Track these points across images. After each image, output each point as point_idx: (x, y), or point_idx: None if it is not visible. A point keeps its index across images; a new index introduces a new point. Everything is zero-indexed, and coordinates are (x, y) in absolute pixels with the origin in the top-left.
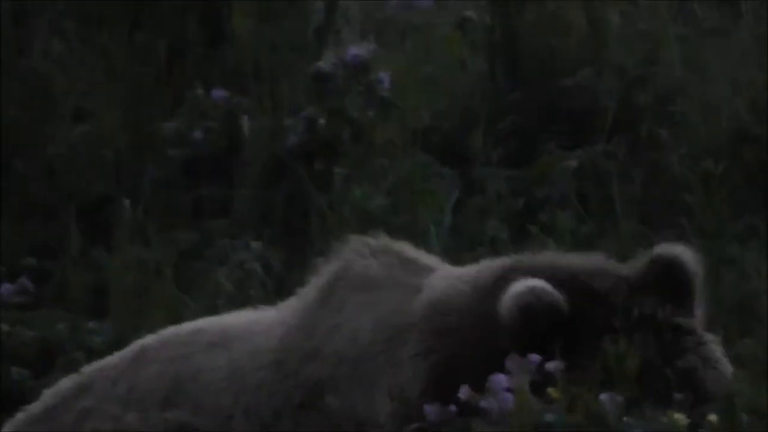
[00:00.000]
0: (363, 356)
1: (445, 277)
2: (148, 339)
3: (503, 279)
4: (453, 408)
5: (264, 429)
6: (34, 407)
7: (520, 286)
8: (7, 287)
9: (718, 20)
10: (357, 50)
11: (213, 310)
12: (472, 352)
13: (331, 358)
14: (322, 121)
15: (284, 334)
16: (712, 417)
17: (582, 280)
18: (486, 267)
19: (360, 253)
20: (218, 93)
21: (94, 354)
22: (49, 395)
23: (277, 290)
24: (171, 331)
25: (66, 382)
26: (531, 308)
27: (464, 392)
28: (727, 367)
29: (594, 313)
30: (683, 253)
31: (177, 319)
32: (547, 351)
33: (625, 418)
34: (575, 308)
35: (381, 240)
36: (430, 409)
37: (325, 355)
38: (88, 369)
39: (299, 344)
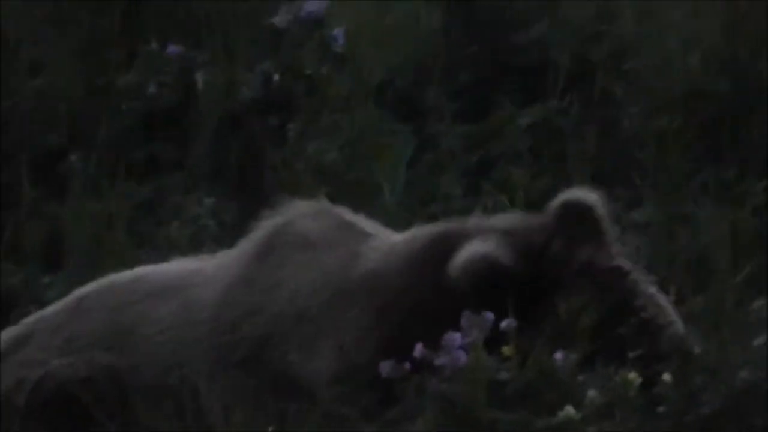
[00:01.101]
0: (304, 315)
1: (380, 246)
2: (88, 287)
3: (437, 246)
4: (407, 365)
5: (201, 384)
6: None
7: (469, 251)
8: None
9: None
10: (311, 6)
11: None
12: (413, 323)
13: (270, 316)
14: (276, 76)
15: (223, 288)
16: (666, 376)
17: (520, 238)
18: (419, 235)
19: (301, 213)
20: (173, 48)
21: (47, 307)
22: None
23: (231, 245)
24: (110, 279)
25: (7, 333)
26: (480, 272)
27: (419, 350)
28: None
29: (540, 267)
30: (587, 195)
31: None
32: (498, 309)
33: (578, 377)
34: (522, 266)
35: (322, 203)
36: (384, 366)
37: (265, 312)
38: (29, 319)
39: (238, 300)
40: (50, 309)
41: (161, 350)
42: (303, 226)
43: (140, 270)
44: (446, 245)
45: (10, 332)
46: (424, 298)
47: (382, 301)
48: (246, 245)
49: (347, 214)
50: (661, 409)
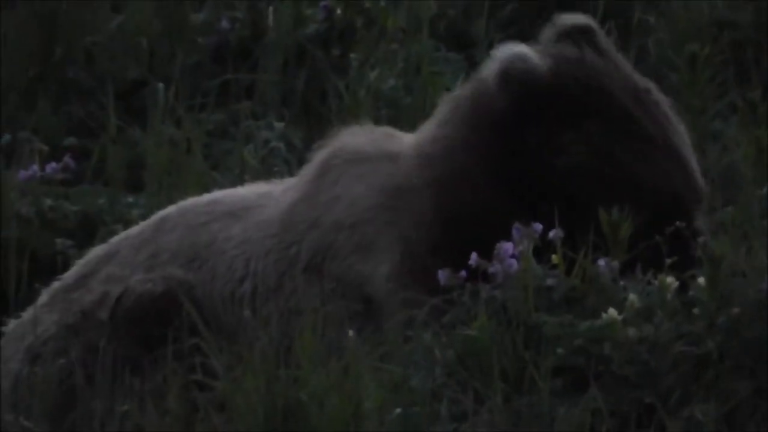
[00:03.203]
0: (360, 221)
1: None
2: (168, 209)
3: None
4: (463, 273)
5: (270, 291)
6: (68, 276)
7: (504, 51)
8: (51, 166)
9: None
10: None
11: (239, 185)
12: (472, 198)
13: (330, 226)
14: (338, 10)
15: (288, 207)
16: (700, 280)
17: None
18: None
19: (351, 132)
20: None
21: (131, 225)
22: (80, 264)
23: (299, 166)
24: (190, 201)
25: (95, 251)
26: (511, 69)
27: (473, 259)
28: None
29: (578, 83)
30: (583, 18)
31: (207, 193)
32: (534, 123)
33: (619, 282)
34: (558, 78)
35: (367, 125)
36: (442, 274)
37: (325, 223)
38: (116, 238)
39: (301, 215)
40: (134, 229)
41: (234, 263)
42: (354, 143)
43: (216, 193)
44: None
45: (97, 250)
46: (479, 192)
47: (439, 195)
48: (308, 167)
49: (390, 129)
50: (695, 311)
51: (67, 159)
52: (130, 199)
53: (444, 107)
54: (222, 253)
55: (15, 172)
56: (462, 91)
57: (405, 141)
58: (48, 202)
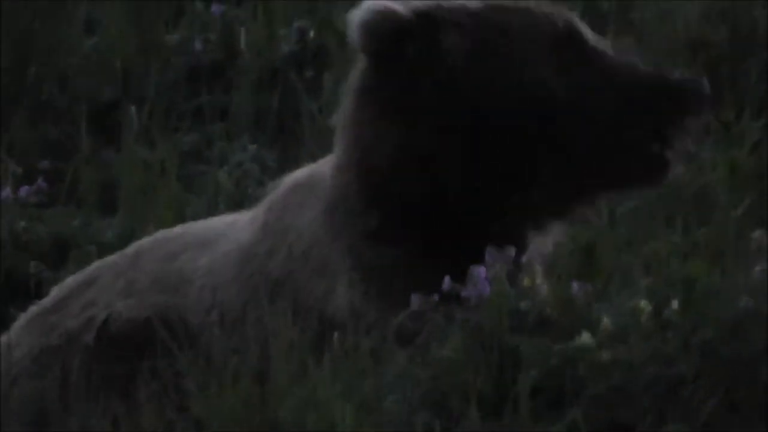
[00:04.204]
0: (309, 246)
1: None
2: (145, 239)
3: None
4: (435, 297)
5: (235, 321)
6: (45, 300)
7: (357, 12)
8: (24, 189)
9: None
10: None
11: (214, 208)
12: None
13: (286, 255)
14: (312, 32)
15: (248, 237)
16: (674, 303)
17: None
18: None
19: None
20: (217, 7)
21: (104, 248)
22: (58, 289)
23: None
24: (163, 232)
25: (73, 278)
26: (371, 21)
27: (446, 283)
28: None
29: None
30: None
31: (180, 216)
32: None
33: (593, 305)
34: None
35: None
36: (415, 298)
37: (281, 253)
38: (93, 266)
39: (258, 246)
40: (112, 257)
41: (202, 293)
42: (299, 173)
43: (188, 224)
44: None
45: (76, 277)
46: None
47: (366, 189)
48: (264, 200)
49: None
50: (669, 334)
51: (41, 182)
52: (104, 222)
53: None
54: (191, 283)
55: None
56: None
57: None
58: (21, 224)
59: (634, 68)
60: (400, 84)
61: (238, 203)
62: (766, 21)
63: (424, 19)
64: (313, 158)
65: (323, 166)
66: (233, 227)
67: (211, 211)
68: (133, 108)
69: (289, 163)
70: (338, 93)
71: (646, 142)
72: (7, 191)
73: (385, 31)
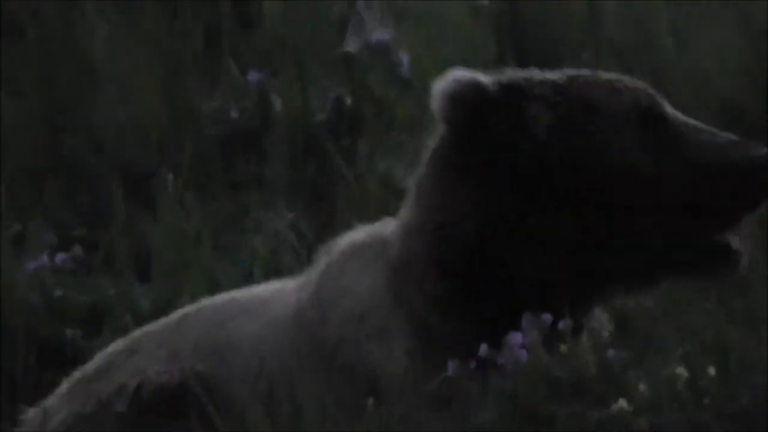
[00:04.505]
0: (367, 311)
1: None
2: (189, 307)
3: None
4: (473, 364)
5: (283, 391)
6: (89, 366)
7: (440, 81)
8: (61, 257)
9: (707, 4)
10: (380, 34)
11: (249, 277)
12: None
13: (340, 321)
14: (347, 99)
15: (296, 304)
16: (710, 370)
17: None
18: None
19: (355, 229)
20: (253, 75)
21: (140, 316)
22: (101, 357)
23: (309, 257)
24: (207, 301)
25: (116, 345)
26: (456, 91)
27: (483, 350)
28: None
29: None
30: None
31: (215, 285)
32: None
33: (629, 372)
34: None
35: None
36: (452, 365)
37: (334, 318)
38: (136, 333)
39: (309, 313)
40: (155, 325)
41: (250, 362)
42: (353, 237)
43: (233, 293)
44: None
45: (119, 343)
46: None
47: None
48: (312, 267)
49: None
50: (705, 401)
51: (77, 249)
52: (139, 290)
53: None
54: (239, 351)
55: (25, 262)
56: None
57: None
58: (57, 292)
59: (715, 143)
60: (485, 154)
61: (274, 272)
62: None
63: (510, 91)
64: (349, 226)
65: (380, 230)
66: (280, 294)
67: (247, 280)
68: (168, 176)
69: (325, 231)
70: (373, 160)
71: (722, 229)
72: (42, 259)
73: (472, 103)
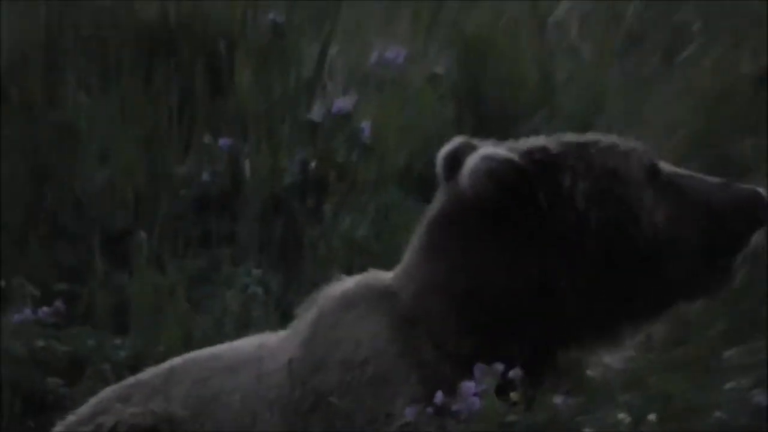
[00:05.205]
0: (370, 356)
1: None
2: (176, 359)
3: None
4: (429, 410)
5: None
6: (82, 410)
7: (474, 158)
8: (43, 310)
9: (653, 70)
10: (342, 102)
11: (221, 328)
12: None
13: (337, 366)
14: (313, 163)
15: (288, 357)
16: (652, 416)
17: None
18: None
19: (337, 283)
20: (224, 141)
21: (118, 365)
22: (93, 402)
23: (276, 310)
24: (193, 354)
25: (108, 392)
26: (492, 169)
27: (439, 397)
28: None
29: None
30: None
31: (189, 336)
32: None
33: (576, 418)
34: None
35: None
36: (410, 410)
37: (331, 364)
38: (128, 381)
39: (302, 362)
40: (145, 374)
41: (240, 417)
42: (343, 289)
43: (216, 348)
44: None
45: (111, 390)
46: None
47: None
48: (300, 320)
49: (376, 272)
50: None
51: (58, 303)
52: (117, 341)
53: (423, 231)
54: (227, 407)
55: (9, 316)
56: (435, 211)
57: (392, 276)
58: (40, 343)
59: (708, 184)
60: (525, 224)
61: (243, 324)
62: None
63: (543, 166)
64: (314, 283)
65: (369, 282)
66: (264, 348)
67: (219, 331)
68: (143, 234)
69: (292, 286)
70: (337, 220)
71: (723, 260)
72: (26, 312)
73: (509, 179)
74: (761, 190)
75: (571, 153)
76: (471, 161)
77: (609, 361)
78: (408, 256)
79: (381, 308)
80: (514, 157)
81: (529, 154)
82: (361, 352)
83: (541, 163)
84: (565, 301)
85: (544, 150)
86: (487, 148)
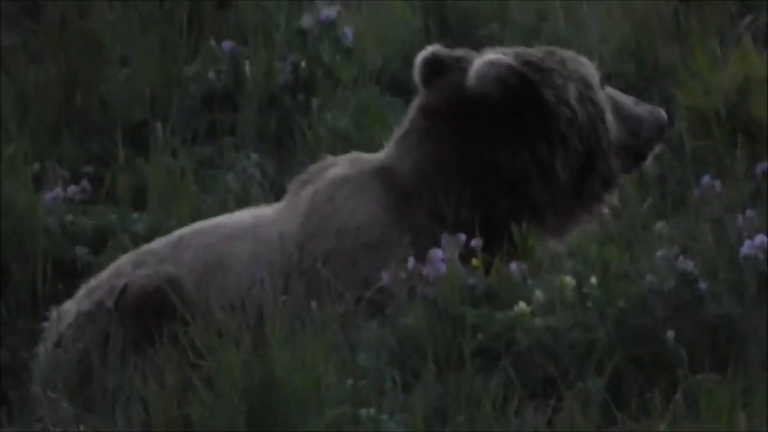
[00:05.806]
0: (364, 224)
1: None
2: (184, 229)
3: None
4: (402, 275)
5: (277, 294)
6: (101, 275)
7: (481, 63)
8: (72, 189)
9: None
10: (328, 11)
11: (224, 205)
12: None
13: (332, 233)
14: (303, 64)
15: (285, 225)
16: (593, 280)
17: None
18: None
19: (328, 161)
20: (227, 45)
21: (136, 237)
22: (111, 267)
23: (271, 189)
24: (200, 224)
25: (124, 259)
26: (499, 74)
27: (411, 263)
28: None
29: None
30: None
31: (197, 212)
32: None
33: (528, 281)
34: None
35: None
36: (385, 275)
37: (326, 232)
38: (142, 249)
39: (299, 229)
40: (156, 243)
41: (242, 277)
42: (335, 169)
43: (220, 217)
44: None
45: (128, 257)
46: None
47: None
48: (295, 193)
49: (361, 154)
50: (588, 304)
51: (85, 183)
52: (136, 216)
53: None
54: (229, 269)
55: (43, 194)
56: (427, 101)
57: (380, 158)
58: (69, 218)
59: (626, 99)
60: (524, 118)
61: (243, 201)
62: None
63: (537, 70)
64: (304, 165)
65: (360, 163)
66: (263, 218)
67: (222, 207)
68: (159, 126)
69: (285, 169)
70: (323, 114)
71: (640, 160)
72: (57, 191)
73: (511, 81)
74: (662, 110)
75: (552, 61)
76: (478, 66)
77: (553, 246)
78: (400, 139)
79: (376, 182)
80: (515, 63)
81: (523, 60)
82: (357, 219)
83: (535, 67)
84: (552, 181)
85: (532, 56)
86: (491, 55)
